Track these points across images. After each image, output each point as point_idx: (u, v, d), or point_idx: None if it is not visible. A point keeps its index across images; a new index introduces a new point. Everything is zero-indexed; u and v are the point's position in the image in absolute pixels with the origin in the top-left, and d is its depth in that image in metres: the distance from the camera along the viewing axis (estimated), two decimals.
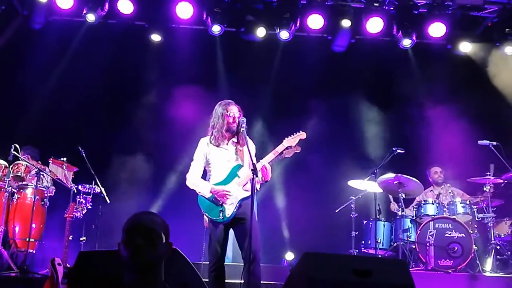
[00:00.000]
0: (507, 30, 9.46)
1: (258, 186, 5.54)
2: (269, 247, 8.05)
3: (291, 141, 5.74)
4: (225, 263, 5.51)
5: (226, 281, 5.45)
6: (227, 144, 5.65)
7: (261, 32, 9.49)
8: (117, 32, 9.59)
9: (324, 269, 4.21)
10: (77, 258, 4.74)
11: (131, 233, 2.72)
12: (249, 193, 5.29)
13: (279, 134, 5.89)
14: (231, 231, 5.59)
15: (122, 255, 2.74)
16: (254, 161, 5.26)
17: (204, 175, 5.71)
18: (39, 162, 8.53)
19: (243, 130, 5.51)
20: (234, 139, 5.68)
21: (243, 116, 5.64)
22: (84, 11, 9.08)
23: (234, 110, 5.63)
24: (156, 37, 9.52)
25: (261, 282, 5.49)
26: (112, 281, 3.14)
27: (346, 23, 9.48)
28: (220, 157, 5.61)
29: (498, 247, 8.02)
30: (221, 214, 5.40)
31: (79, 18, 9.35)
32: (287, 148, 5.71)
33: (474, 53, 9.80)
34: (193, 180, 5.62)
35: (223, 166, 5.60)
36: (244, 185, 5.49)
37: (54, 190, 8.32)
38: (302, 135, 5.81)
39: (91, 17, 9.12)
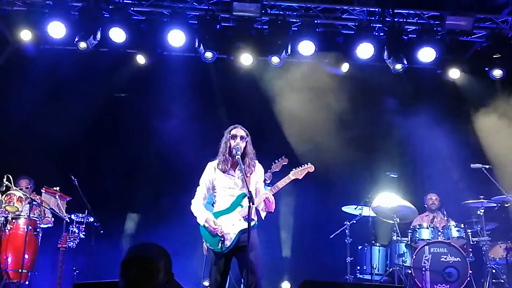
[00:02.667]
0: (495, 54, 9.55)
1: (263, 214, 5.51)
2: (265, 274, 7.98)
3: (298, 174, 5.68)
4: None
5: None
6: (234, 170, 5.59)
7: (246, 59, 9.53)
8: (109, 60, 9.60)
9: None
10: None
11: (125, 266, 2.69)
12: (251, 223, 5.18)
13: (273, 159, 5.81)
14: (234, 259, 5.52)
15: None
16: (250, 189, 5.24)
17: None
18: (34, 192, 8.46)
19: (238, 158, 5.44)
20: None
21: (249, 139, 5.62)
22: (76, 39, 9.09)
23: (238, 133, 5.58)
24: (141, 59, 9.48)
25: None
26: None
27: (345, 67, 9.62)
28: (225, 184, 5.56)
29: (494, 271, 8.03)
30: (219, 245, 5.35)
31: (71, 47, 9.36)
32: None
33: (463, 81, 9.90)
34: (196, 206, 5.56)
35: (228, 194, 5.55)
36: (246, 216, 5.39)
37: (53, 220, 8.25)
38: (310, 168, 5.73)
39: (82, 45, 9.10)
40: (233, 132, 5.62)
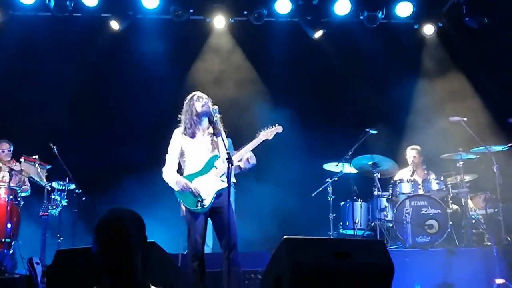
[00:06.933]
0: (473, 6, 9.50)
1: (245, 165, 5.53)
2: (248, 233, 8.04)
3: (268, 134, 5.73)
4: (205, 252, 5.49)
5: (206, 270, 5.43)
6: (202, 135, 5.58)
7: (222, 20, 9.45)
8: (82, 25, 9.46)
9: (304, 253, 4.24)
10: (54, 257, 4.71)
11: (97, 231, 2.68)
12: (226, 184, 5.21)
13: (252, 120, 5.82)
14: (210, 221, 5.57)
15: (93, 254, 2.69)
16: (228, 150, 5.24)
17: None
18: (13, 158, 8.38)
19: (216, 120, 5.48)
20: (210, 130, 5.59)
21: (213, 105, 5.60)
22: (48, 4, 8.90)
23: (203, 96, 5.60)
24: (115, 25, 9.37)
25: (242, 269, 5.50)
26: (90, 277, 3.09)
27: (318, 34, 9.67)
28: (196, 148, 5.54)
29: (474, 221, 8.15)
30: (198, 204, 5.37)
31: (44, 13, 9.20)
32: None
33: (439, 35, 9.90)
34: (168, 174, 5.56)
35: (199, 157, 5.53)
36: (222, 176, 5.45)
37: (29, 189, 8.22)
38: (278, 128, 5.79)
39: (55, 11, 8.94)
40: (198, 94, 5.64)
